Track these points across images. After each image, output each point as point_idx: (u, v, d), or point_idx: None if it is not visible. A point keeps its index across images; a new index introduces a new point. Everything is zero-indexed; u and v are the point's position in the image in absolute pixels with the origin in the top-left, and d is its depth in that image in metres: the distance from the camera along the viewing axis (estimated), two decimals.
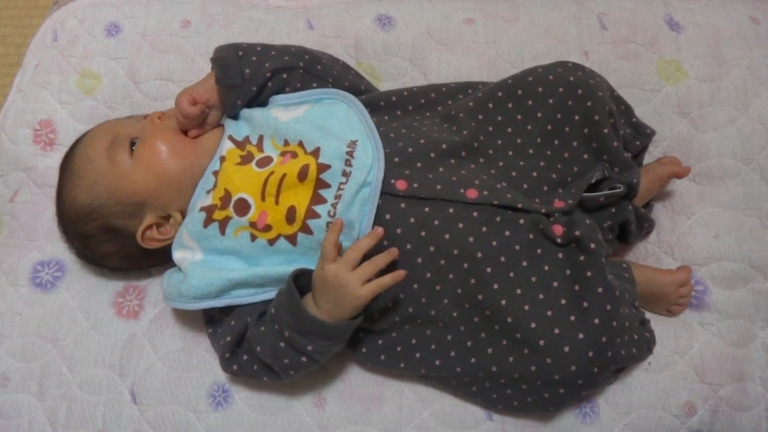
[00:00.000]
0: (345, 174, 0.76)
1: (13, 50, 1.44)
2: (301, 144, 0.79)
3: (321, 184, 0.76)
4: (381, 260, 0.73)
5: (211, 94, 0.83)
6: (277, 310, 0.74)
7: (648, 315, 0.86)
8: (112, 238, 0.83)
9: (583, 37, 0.97)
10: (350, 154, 0.77)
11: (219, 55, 0.84)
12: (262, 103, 0.87)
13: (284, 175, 0.76)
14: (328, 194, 0.76)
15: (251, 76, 0.83)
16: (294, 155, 0.78)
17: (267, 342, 0.75)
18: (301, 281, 0.75)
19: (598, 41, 0.97)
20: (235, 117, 0.86)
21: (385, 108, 0.87)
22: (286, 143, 0.80)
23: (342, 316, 0.73)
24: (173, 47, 0.99)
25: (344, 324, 0.73)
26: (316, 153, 0.77)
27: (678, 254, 0.89)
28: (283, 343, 0.74)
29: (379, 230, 0.73)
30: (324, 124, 0.81)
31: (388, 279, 0.72)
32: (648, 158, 0.94)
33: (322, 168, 0.76)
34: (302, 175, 0.76)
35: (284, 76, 0.86)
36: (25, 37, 1.44)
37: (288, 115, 0.83)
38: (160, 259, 0.87)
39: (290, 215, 0.76)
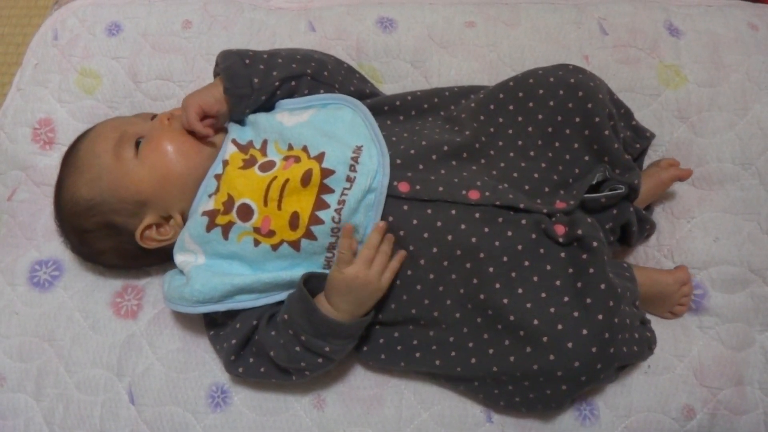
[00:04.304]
0: (349, 179, 0.76)
1: (13, 49, 1.44)
2: (305, 149, 0.79)
3: (324, 189, 0.76)
4: (387, 247, 0.76)
5: (221, 105, 0.82)
6: (290, 316, 0.75)
7: (648, 317, 0.86)
8: (110, 235, 0.83)
9: (584, 41, 0.97)
10: (355, 159, 0.77)
11: (226, 64, 0.83)
12: (268, 107, 0.87)
13: (287, 180, 0.76)
14: (331, 199, 0.76)
15: (260, 85, 0.83)
16: (297, 160, 0.78)
17: (281, 347, 0.75)
18: (309, 285, 0.75)
19: (599, 45, 0.97)
20: (239, 121, 0.86)
21: (389, 112, 0.87)
22: (290, 148, 0.80)
23: (361, 312, 0.75)
24: (174, 47, 0.99)
25: (359, 321, 0.75)
26: (320, 158, 0.77)
27: (678, 258, 0.89)
28: (299, 347, 0.74)
29: (382, 224, 0.75)
30: (329, 129, 0.80)
31: (395, 263, 0.76)
32: (647, 162, 0.94)
33: (326, 173, 0.76)
34: (305, 180, 0.76)
35: (293, 83, 0.85)
36: (25, 36, 1.44)
37: (293, 119, 0.82)
38: (157, 259, 0.86)
39: (293, 221, 0.76)
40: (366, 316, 0.76)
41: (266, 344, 0.76)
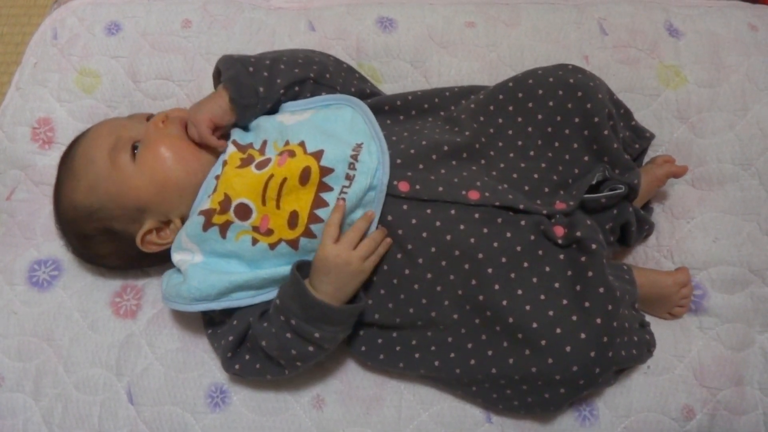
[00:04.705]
0: (348, 177, 0.76)
1: (12, 48, 1.44)
2: (302, 143, 0.78)
3: (323, 187, 0.76)
4: (379, 235, 0.76)
5: (230, 115, 0.82)
6: (282, 301, 0.75)
7: (648, 318, 0.86)
8: (110, 240, 0.83)
9: (584, 41, 0.97)
10: (355, 157, 0.77)
11: (230, 74, 0.82)
12: (272, 111, 0.86)
13: (285, 179, 0.76)
14: (329, 197, 0.76)
15: (266, 94, 0.83)
16: (291, 154, 0.77)
17: (273, 335, 0.75)
18: (302, 273, 0.75)
19: (599, 46, 0.97)
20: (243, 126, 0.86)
21: (389, 112, 0.87)
22: (287, 144, 0.80)
23: (344, 295, 0.75)
24: (174, 47, 0.99)
25: (349, 308, 0.75)
26: (318, 155, 0.77)
27: (677, 258, 0.89)
28: (289, 333, 0.74)
29: (371, 212, 0.76)
30: (329, 127, 0.80)
31: (381, 249, 0.76)
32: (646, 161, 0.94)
33: (325, 171, 0.76)
34: (304, 178, 0.76)
35: (296, 89, 0.86)
36: (24, 35, 1.43)
37: (294, 118, 0.82)
38: (158, 260, 0.86)
39: (292, 220, 0.76)
40: (356, 304, 0.76)
41: (259, 336, 0.75)
